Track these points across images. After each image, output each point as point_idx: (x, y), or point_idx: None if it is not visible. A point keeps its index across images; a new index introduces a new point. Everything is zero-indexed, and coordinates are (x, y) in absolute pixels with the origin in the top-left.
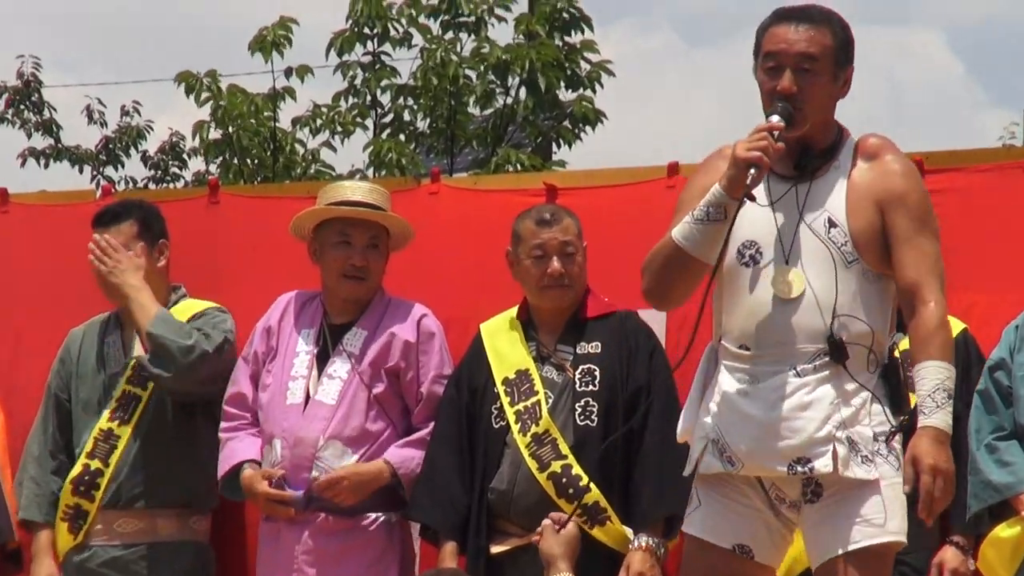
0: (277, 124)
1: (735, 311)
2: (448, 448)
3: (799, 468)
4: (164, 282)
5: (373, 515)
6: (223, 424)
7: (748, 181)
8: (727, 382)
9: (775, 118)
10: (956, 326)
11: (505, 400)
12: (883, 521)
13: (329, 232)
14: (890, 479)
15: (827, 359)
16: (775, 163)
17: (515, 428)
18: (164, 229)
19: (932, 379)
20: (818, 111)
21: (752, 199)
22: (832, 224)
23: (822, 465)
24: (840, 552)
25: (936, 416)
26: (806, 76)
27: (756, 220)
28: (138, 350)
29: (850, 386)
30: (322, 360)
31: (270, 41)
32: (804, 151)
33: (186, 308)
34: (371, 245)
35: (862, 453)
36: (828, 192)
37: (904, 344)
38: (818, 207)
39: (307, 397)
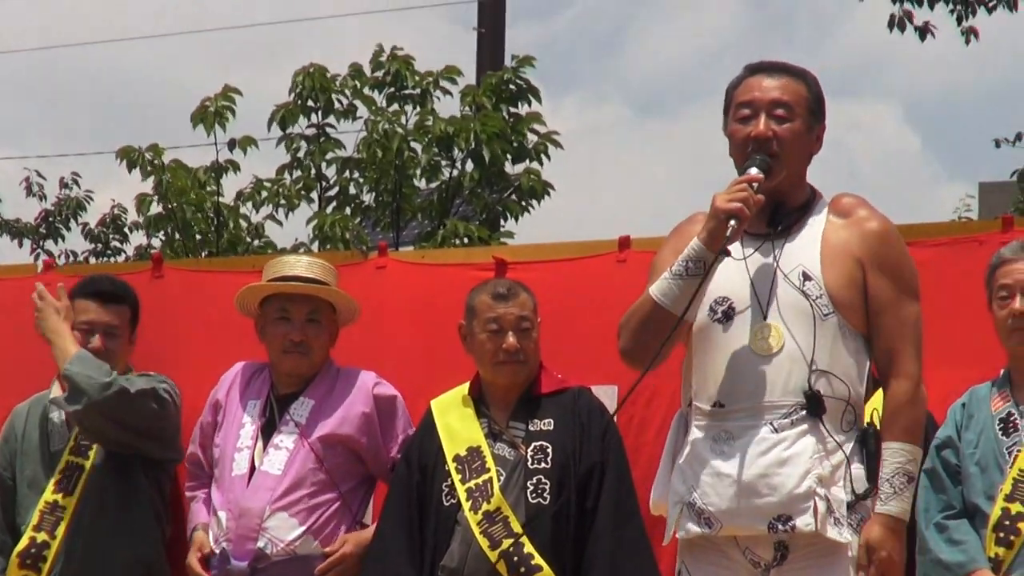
0: (220, 199)
1: (708, 369)
2: (398, 526)
3: (780, 526)
4: (124, 369)
5: None
6: (187, 483)
7: (728, 233)
8: (700, 441)
9: (753, 170)
10: None
11: (456, 477)
12: None
13: (270, 308)
14: (856, 550)
15: (804, 413)
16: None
17: (466, 506)
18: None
19: (892, 462)
20: (793, 161)
21: (728, 254)
22: (807, 277)
23: (803, 523)
24: None
25: (892, 503)
26: (781, 123)
27: (728, 276)
28: (55, 392)
29: (829, 443)
30: (268, 431)
31: (213, 112)
32: (777, 207)
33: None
34: (310, 320)
35: (835, 515)
36: (802, 247)
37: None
38: (793, 261)
39: (252, 468)
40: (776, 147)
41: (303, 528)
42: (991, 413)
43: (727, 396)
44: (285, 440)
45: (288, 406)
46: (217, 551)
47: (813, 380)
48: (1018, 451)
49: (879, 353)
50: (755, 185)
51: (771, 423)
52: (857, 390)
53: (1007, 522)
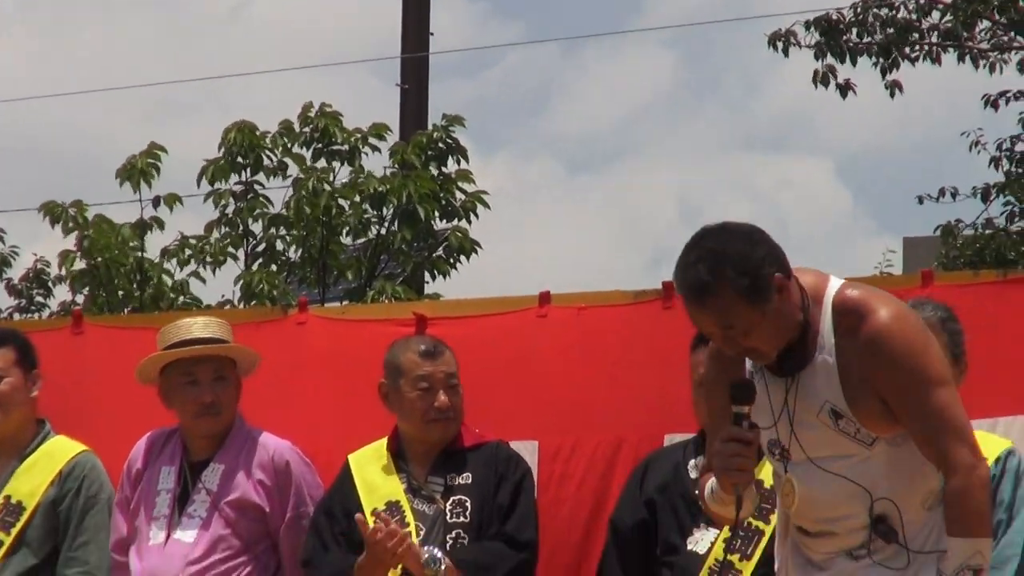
0: (144, 255)
1: (787, 499)
2: (329, 548)
3: None
4: (33, 414)
5: None
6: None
7: (737, 493)
8: (796, 549)
9: (742, 410)
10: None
11: None
12: None
13: (175, 373)
14: None
15: (880, 541)
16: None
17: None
18: (37, 360)
19: (956, 557)
20: (777, 339)
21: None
22: (837, 415)
23: None
24: None
25: None
26: (734, 333)
27: (770, 416)
28: None
29: (913, 556)
30: (183, 498)
31: (139, 170)
32: (781, 356)
33: (55, 451)
34: (218, 378)
35: None
36: (822, 381)
37: None
38: (819, 399)
39: (168, 536)
40: (756, 351)
41: None
42: None
43: (807, 525)
44: (198, 508)
45: (201, 472)
46: None
47: (876, 510)
48: None
49: (920, 448)
50: (745, 423)
51: (851, 553)
52: (930, 483)
53: None
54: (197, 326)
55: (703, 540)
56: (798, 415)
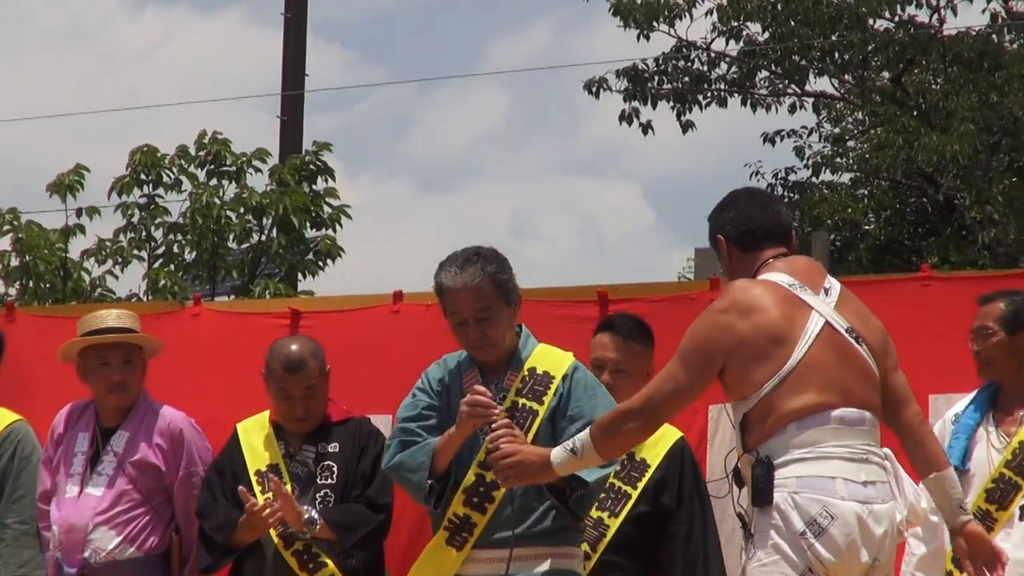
0: (67, 255)
1: None
2: (218, 500)
3: None
4: None
5: None
6: (41, 523)
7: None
8: None
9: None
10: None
11: (257, 488)
12: None
13: (90, 356)
14: None
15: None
16: None
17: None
18: None
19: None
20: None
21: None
22: None
23: None
24: None
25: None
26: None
27: None
28: None
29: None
30: (95, 459)
31: (65, 185)
32: None
33: None
34: (126, 361)
35: None
36: None
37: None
38: None
39: (81, 490)
40: None
41: (120, 538)
42: None
43: None
44: (107, 467)
45: (110, 437)
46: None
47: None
48: None
49: None
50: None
51: None
52: (739, 447)
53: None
54: (112, 317)
55: None
56: None
